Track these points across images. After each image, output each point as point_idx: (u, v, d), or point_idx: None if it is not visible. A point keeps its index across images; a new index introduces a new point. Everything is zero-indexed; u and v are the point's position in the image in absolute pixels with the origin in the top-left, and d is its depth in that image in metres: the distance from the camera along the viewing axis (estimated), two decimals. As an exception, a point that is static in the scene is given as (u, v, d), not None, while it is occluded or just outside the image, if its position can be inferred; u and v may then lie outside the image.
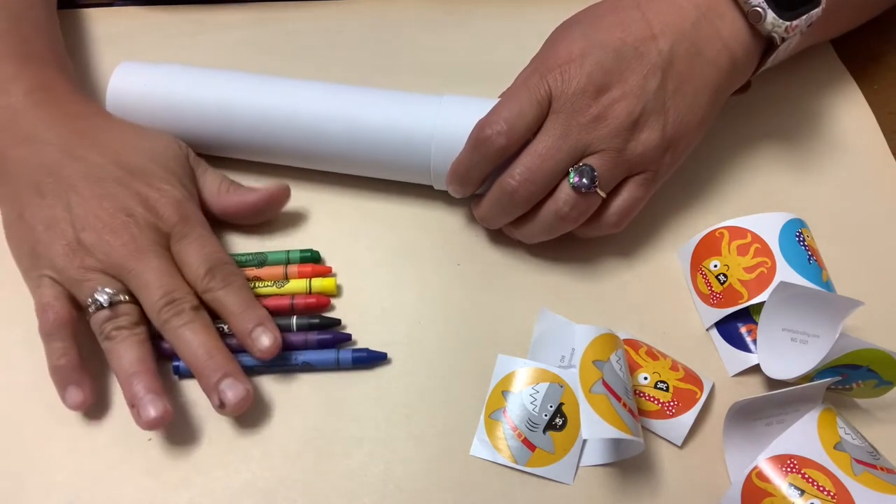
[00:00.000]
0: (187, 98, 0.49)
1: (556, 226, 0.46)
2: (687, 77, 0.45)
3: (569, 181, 0.44)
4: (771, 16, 0.45)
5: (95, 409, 0.43)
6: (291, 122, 0.48)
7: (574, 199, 0.45)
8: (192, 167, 0.49)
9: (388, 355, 0.46)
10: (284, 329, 0.45)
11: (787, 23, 0.45)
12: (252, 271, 0.47)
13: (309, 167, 0.51)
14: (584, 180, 0.44)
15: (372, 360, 0.45)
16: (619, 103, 0.44)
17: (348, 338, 0.46)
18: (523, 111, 0.44)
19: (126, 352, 0.41)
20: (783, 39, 0.46)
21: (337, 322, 0.46)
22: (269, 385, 0.45)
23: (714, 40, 0.46)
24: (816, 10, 0.45)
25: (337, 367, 0.45)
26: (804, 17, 0.45)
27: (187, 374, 0.44)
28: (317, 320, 0.46)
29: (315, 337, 0.45)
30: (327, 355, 0.44)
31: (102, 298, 0.42)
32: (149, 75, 0.50)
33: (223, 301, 0.43)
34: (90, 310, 0.42)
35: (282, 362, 0.44)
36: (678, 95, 0.45)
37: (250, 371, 0.44)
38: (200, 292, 0.44)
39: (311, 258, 0.49)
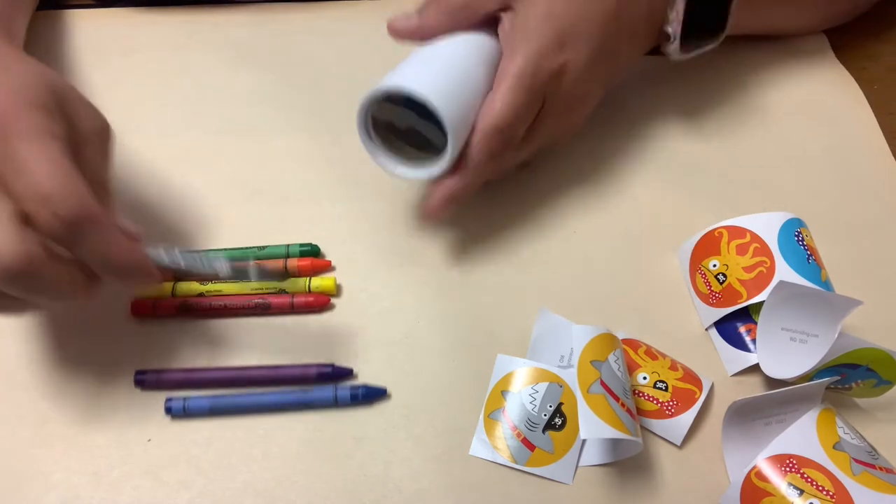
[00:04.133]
0: None
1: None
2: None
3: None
4: (675, 46, 0.50)
5: (95, 408, 0.44)
6: None
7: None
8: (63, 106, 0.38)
9: (387, 389, 0.44)
10: (290, 380, 0.44)
11: (684, 55, 0.51)
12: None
13: None
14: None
15: (370, 396, 0.44)
16: (591, 100, 0.49)
17: (349, 373, 0.44)
18: (522, 120, 0.45)
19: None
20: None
21: (349, 372, 0.44)
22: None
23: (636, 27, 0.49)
24: (712, 45, 0.51)
25: (335, 404, 0.43)
26: (699, 51, 0.51)
27: (180, 415, 0.43)
28: (329, 370, 0.44)
29: (315, 371, 0.44)
30: (325, 393, 0.43)
31: None
32: None
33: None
34: None
35: (276, 403, 0.43)
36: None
37: (245, 411, 0.43)
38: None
39: (311, 252, 0.49)
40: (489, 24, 0.47)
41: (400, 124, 0.46)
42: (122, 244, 0.37)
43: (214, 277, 0.45)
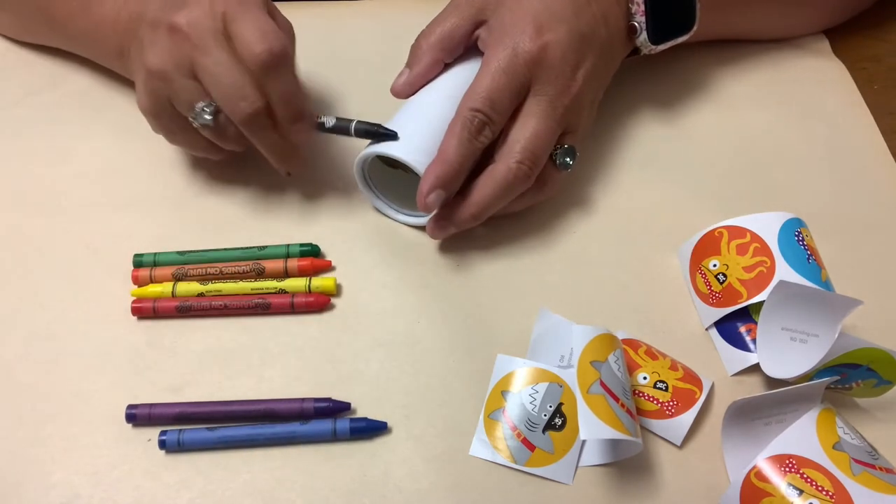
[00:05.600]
0: None
1: (531, 202, 0.50)
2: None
3: (556, 162, 0.48)
4: (643, 38, 0.50)
5: (95, 408, 0.44)
6: None
7: (557, 178, 0.49)
8: None
9: (388, 423, 0.43)
10: (293, 415, 0.43)
11: (654, 46, 0.51)
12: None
13: None
14: (569, 160, 0.48)
15: (371, 430, 0.43)
16: (587, 83, 0.48)
17: (347, 407, 0.44)
18: (504, 101, 0.46)
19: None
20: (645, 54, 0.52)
21: (347, 406, 0.43)
22: (269, 385, 0.45)
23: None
24: (684, 36, 0.52)
25: (333, 438, 0.42)
26: (670, 42, 0.52)
27: (174, 449, 0.42)
28: (327, 404, 0.43)
29: (312, 405, 0.43)
30: (323, 426, 0.42)
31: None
32: None
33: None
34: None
35: (275, 436, 0.42)
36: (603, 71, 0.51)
37: (242, 445, 0.43)
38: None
39: (311, 252, 0.49)
40: (472, 46, 0.50)
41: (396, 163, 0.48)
42: (302, 91, 0.46)
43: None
